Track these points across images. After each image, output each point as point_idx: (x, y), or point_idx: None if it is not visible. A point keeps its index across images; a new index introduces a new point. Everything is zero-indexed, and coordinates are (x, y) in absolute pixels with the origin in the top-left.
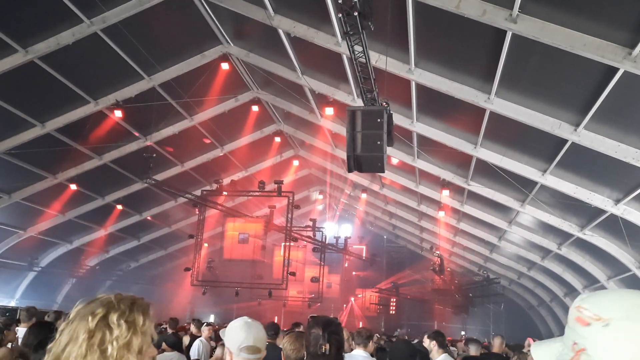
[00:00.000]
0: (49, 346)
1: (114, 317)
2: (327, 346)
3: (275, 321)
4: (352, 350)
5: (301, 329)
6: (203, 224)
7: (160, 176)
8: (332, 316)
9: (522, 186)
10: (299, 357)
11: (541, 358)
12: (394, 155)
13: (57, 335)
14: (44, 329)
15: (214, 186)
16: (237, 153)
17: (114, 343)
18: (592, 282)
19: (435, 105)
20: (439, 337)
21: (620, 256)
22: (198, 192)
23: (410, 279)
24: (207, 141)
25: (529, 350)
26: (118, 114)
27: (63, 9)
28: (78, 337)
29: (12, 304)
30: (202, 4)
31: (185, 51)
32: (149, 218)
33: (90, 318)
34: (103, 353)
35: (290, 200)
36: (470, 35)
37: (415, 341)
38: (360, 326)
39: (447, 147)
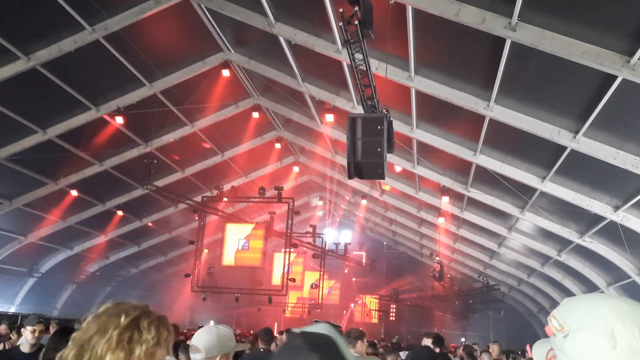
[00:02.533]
0: (73, 334)
1: (145, 322)
2: None
3: (275, 328)
4: None
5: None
6: (203, 230)
7: (161, 182)
8: (331, 322)
9: (521, 193)
10: None
11: (536, 358)
12: (394, 162)
13: (84, 325)
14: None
15: (214, 192)
16: (238, 159)
17: (143, 346)
18: (591, 289)
19: (435, 112)
20: (440, 342)
21: (619, 263)
22: (198, 198)
23: (410, 285)
24: (207, 146)
25: (530, 358)
26: (119, 120)
27: (65, 16)
28: (107, 331)
29: (12, 310)
30: (204, 11)
31: (186, 58)
32: (149, 224)
33: (123, 316)
34: (131, 352)
35: (290, 207)
36: (469, 43)
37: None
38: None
39: (446, 154)
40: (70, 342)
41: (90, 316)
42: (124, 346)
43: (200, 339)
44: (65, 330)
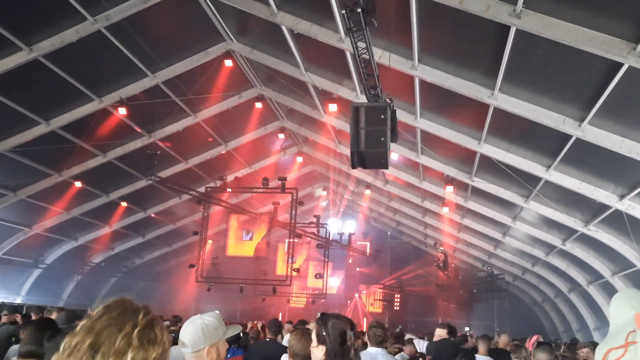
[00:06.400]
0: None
1: (157, 327)
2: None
3: (280, 318)
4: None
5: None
6: (207, 220)
7: (165, 173)
8: (335, 312)
9: (526, 182)
10: (306, 354)
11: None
12: (398, 151)
13: (95, 312)
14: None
15: (218, 183)
16: (241, 150)
17: (159, 348)
18: (596, 278)
19: (439, 101)
20: (454, 332)
21: (624, 252)
22: (202, 189)
23: (414, 275)
24: (210, 139)
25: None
26: (122, 111)
27: (67, 6)
28: (124, 325)
29: (18, 300)
30: (205, 0)
31: (188, 48)
32: (153, 215)
33: (142, 314)
34: (147, 353)
35: (294, 197)
36: (473, 30)
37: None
38: (365, 322)
39: (450, 143)
40: (79, 329)
41: (102, 305)
42: (144, 344)
43: (186, 334)
44: (41, 322)
